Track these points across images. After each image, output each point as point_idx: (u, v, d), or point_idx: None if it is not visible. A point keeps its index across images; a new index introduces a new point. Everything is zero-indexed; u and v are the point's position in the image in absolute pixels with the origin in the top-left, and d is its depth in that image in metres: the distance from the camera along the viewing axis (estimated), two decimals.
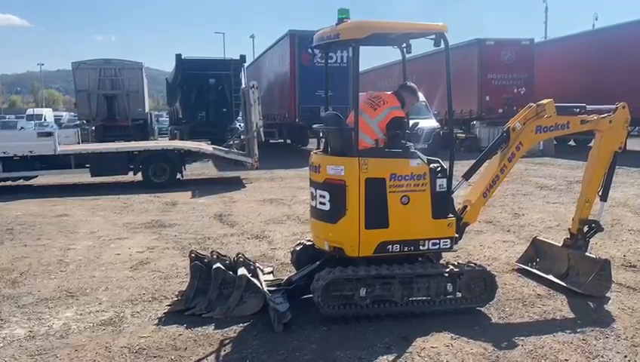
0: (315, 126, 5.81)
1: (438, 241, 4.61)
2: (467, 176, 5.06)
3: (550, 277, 5.39)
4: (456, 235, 4.77)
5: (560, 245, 5.56)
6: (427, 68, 20.32)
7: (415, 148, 4.80)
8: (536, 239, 5.97)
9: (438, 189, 4.57)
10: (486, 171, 5.11)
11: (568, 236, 5.49)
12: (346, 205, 4.43)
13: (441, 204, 4.61)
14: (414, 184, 4.48)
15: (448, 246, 4.65)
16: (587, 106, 5.14)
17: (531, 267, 5.75)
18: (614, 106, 5.23)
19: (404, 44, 5.11)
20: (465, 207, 4.97)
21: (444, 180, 4.60)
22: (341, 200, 4.45)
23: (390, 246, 4.51)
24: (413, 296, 4.53)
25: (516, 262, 5.97)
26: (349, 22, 4.52)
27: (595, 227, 5.33)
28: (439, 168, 4.65)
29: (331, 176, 4.53)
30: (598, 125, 5.19)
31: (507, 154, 5.00)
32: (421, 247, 4.59)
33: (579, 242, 5.36)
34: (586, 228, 5.36)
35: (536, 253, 5.84)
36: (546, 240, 5.93)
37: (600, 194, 5.33)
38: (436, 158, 4.78)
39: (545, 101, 5.08)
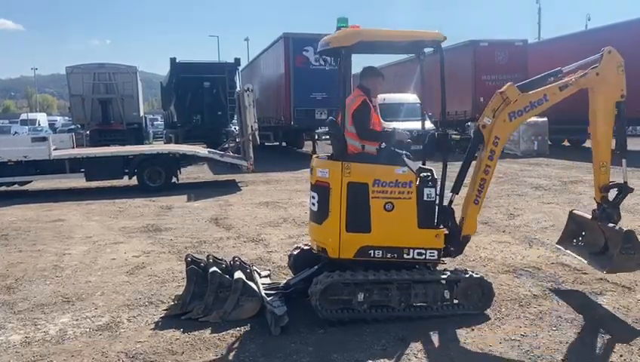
0: (317, 131, 5.92)
1: (424, 251, 4.56)
2: (456, 189, 4.88)
3: (582, 258, 5.09)
4: (452, 248, 4.79)
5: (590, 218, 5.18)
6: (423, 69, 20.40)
7: (410, 151, 4.82)
8: (573, 213, 5.53)
9: (425, 198, 4.53)
10: (472, 178, 4.90)
11: (595, 207, 5.08)
12: (329, 207, 4.51)
13: (429, 213, 4.57)
14: (399, 191, 4.48)
15: (435, 257, 4.60)
16: (563, 68, 4.85)
17: (577, 243, 5.36)
18: (598, 55, 4.71)
19: (420, 53, 5.05)
20: (463, 219, 4.88)
21: (433, 190, 4.56)
22: (325, 202, 4.54)
23: (372, 251, 4.53)
24: (410, 302, 4.53)
25: (556, 243, 5.68)
26: (341, 30, 4.59)
27: (623, 189, 4.88)
28: (429, 178, 4.62)
29: (319, 178, 4.64)
30: (583, 83, 4.69)
31: (486, 154, 4.74)
32: (405, 256, 4.56)
33: (606, 211, 4.91)
34: (615, 192, 4.92)
35: (580, 228, 5.34)
36: (583, 213, 5.50)
37: (618, 152, 4.84)
38: (429, 168, 4.77)
39: (504, 87, 4.73)
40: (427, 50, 5.05)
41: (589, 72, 4.66)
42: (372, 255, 4.54)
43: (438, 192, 4.65)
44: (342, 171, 4.45)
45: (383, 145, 4.73)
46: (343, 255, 4.54)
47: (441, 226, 4.68)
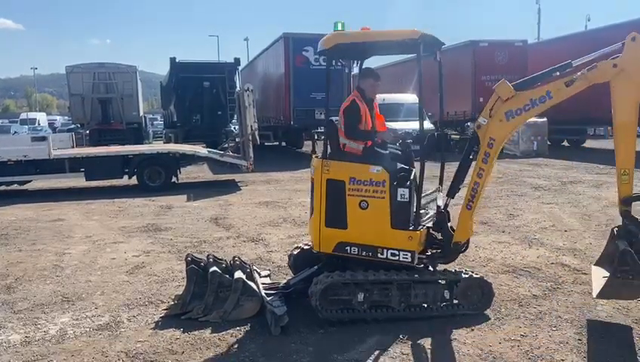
0: (317, 130, 6.06)
1: (397, 252, 4.49)
2: (451, 193, 4.67)
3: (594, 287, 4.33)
4: (441, 254, 4.72)
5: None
6: (422, 70, 20.40)
7: (407, 150, 4.82)
8: (615, 231, 4.57)
9: (399, 199, 4.47)
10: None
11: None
12: (313, 202, 4.73)
13: (402, 214, 4.49)
14: (373, 190, 4.49)
15: (408, 259, 4.48)
16: (574, 61, 4.25)
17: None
18: (620, 44, 4.06)
19: (436, 54, 5.00)
20: None
21: (407, 191, 4.47)
22: (312, 198, 4.76)
23: (349, 248, 4.59)
24: (410, 302, 4.53)
25: (593, 265, 4.84)
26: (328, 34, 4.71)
27: None
28: (404, 178, 4.53)
29: (311, 175, 4.85)
30: (595, 77, 4.10)
31: (480, 156, 4.44)
32: (379, 255, 4.54)
33: (628, 228, 4.19)
34: None
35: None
36: None
37: None
38: (410, 168, 4.66)
39: (497, 84, 4.37)
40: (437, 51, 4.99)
41: (603, 63, 4.09)
42: (349, 251, 4.60)
43: (416, 194, 4.53)
44: (322, 168, 4.59)
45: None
46: (322, 249, 4.68)
47: (420, 228, 4.54)
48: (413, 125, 15.14)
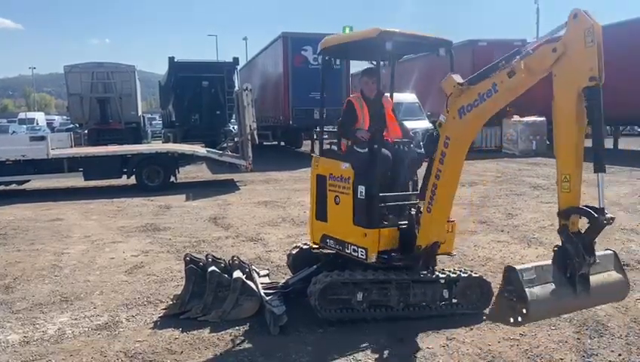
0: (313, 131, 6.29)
1: (357, 249, 4.52)
2: (421, 194, 4.42)
3: None
4: (406, 257, 4.53)
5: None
6: (421, 69, 20.40)
7: (398, 148, 4.85)
8: None
9: (358, 196, 4.51)
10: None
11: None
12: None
13: (360, 211, 4.51)
14: (342, 186, 4.64)
15: (363, 257, 4.44)
16: (525, 48, 3.69)
17: None
18: (564, 24, 3.39)
19: (438, 51, 5.12)
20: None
21: (364, 188, 4.46)
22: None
23: (328, 240, 4.83)
24: (409, 302, 4.52)
25: None
26: None
27: (592, 220, 3.34)
28: (365, 175, 4.49)
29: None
30: (537, 65, 3.50)
31: (437, 156, 4.11)
32: (346, 250, 4.62)
33: (564, 247, 3.48)
34: (587, 222, 3.39)
35: None
36: None
37: (595, 165, 3.35)
38: (377, 167, 4.48)
39: (444, 79, 4.02)
40: (440, 50, 5.03)
41: (541, 49, 3.48)
42: (328, 243, 4.82)
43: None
44: (314, 164, 4.97)
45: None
46: (314, 240, 5.04)
47: (376, 227, 4.42)
48: (420, 124, 15.22)
